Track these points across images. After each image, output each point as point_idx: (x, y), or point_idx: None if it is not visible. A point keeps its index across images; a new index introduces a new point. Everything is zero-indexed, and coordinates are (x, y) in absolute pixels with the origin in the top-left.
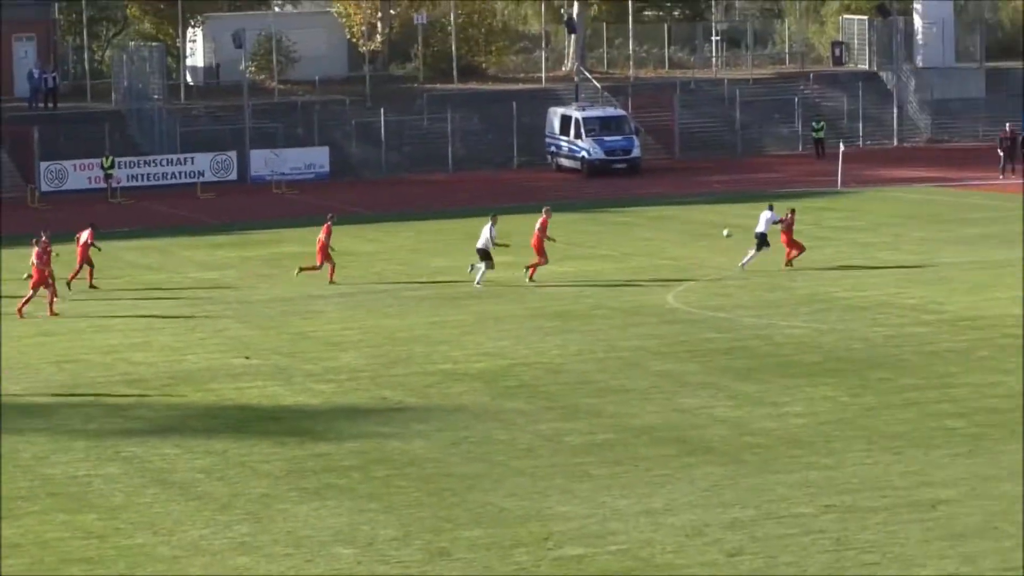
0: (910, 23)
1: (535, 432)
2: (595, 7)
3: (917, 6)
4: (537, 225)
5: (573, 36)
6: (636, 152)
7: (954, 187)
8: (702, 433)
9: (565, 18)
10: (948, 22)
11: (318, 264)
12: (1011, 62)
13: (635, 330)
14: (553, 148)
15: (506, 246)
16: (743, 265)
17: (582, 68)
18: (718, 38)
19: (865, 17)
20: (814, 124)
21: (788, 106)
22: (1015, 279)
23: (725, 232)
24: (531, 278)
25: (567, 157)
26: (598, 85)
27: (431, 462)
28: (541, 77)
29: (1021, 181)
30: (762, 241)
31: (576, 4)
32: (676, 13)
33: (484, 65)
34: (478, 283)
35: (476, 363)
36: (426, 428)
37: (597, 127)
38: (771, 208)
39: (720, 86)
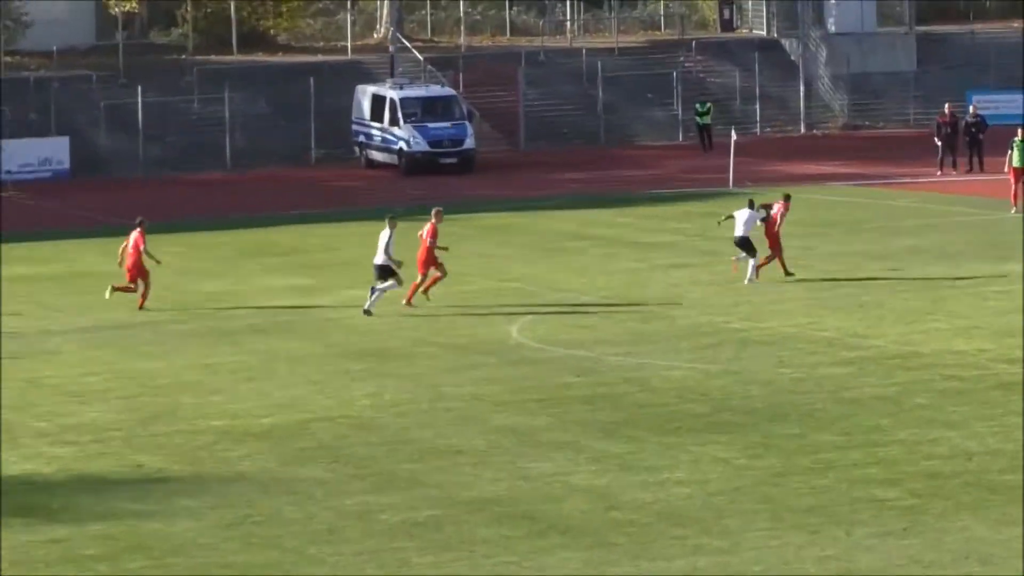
0: None
1: (338, 508)
2: None
3: None
4: (424, 233)
5: None
6: (469, 143)
7: (879, 186)
8: (558, 507)
9: None
10: None
11: (131, 283)
12: (948, 25)
13: (470, 373)
14: (362, 138)
15: (399, 264)
16: (750, 280)
17: (399, 35)
18: None
19: None
20: (698, 107)
21: (664, 83)
22: (959, 304)
23: (719, 222)
24: (411, 298)
25: (380, 149)
26: (420, 57)
27: (202, 550)
28: (347, 47)
29: (965, 178)
30: (746, 247)
31: None
32: None
33: (272, 31)
34: (368, 308)
35: (261, 418)
36: (195, 505)
37: (419, 111)
38: (751, 205)
39: (577, 58)
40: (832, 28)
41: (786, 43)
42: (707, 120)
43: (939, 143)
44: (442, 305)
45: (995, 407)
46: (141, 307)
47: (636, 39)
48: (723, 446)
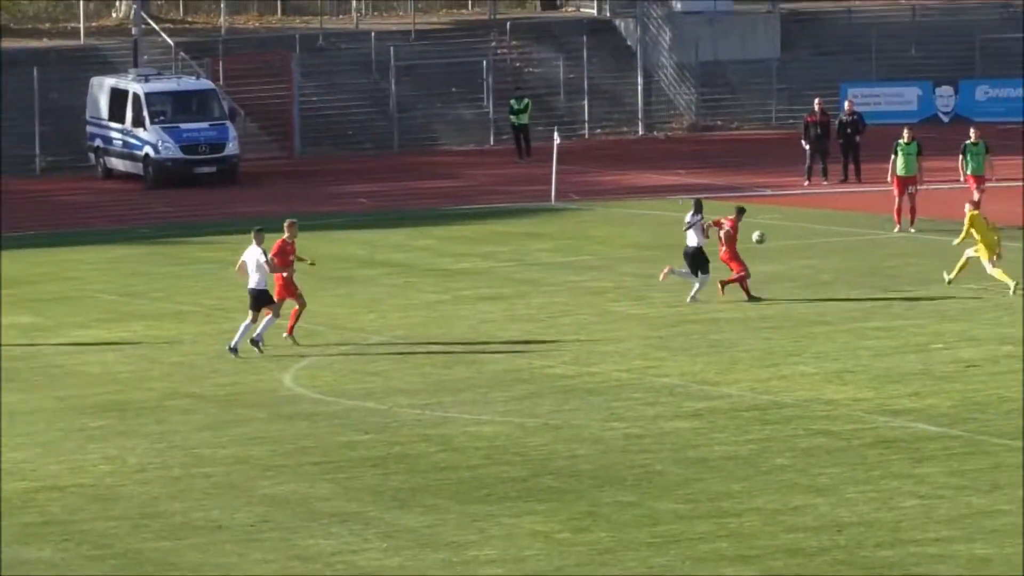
0: None
1: None
2: None
3: None
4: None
5: None
6: (232, 148)
7: (734, 200)
8: None
9: None
10: None
11: None
12: (819, 2)
13: (234, 430)
14: (99, 142)
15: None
16: (693, 297)
17: (143, 14)
18: None
19: None
20: (513, 103)
21: (472, 74)
22: (829, 344)
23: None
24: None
25: (122, 156)
26: (170, 41)
27: None
28: (79, 29)
29: (839, 189)
30: (697, 260)
31: None
32: None
33: None
34: (250, 339)
35: None
36: None
37: (169, 109)
38: (698, 207)
39: (365, 43)
40: (677, 6)
41: (621, 24)
42: (524, 120)
43: (807, 147)
44: (200, 348)
45: (872, 468)
46: None
47: (437, 19)
48: (542, 517)
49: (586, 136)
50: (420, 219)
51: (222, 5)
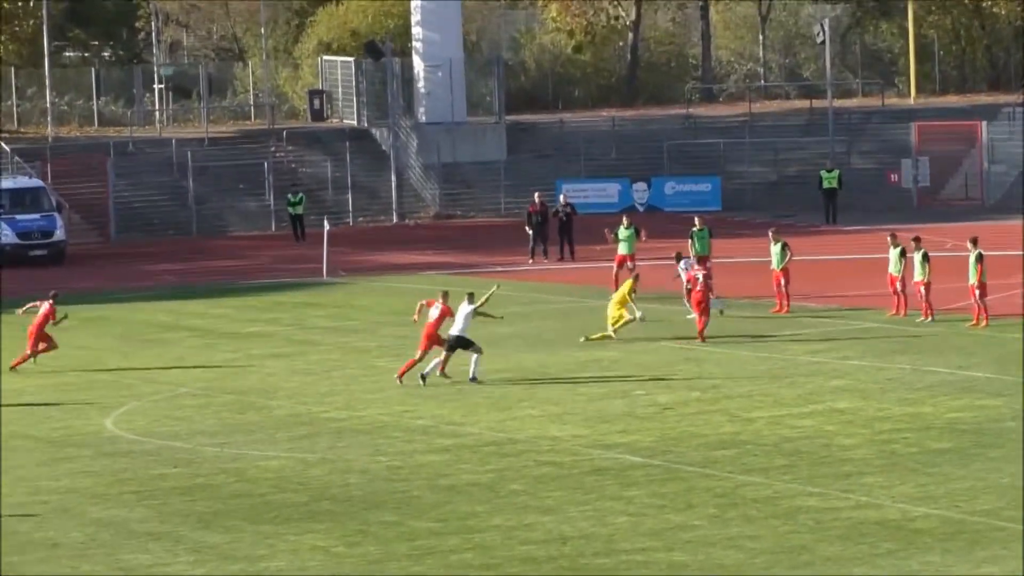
0: (409, 67)
1: None
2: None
3: (417, 44)
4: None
5: None
6: (60, 234)
7: (471, 275)
8: None
9: None
10: (457, 65)
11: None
12: (538, 114)
13: (65, 466)
14: None
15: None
16: (473, 378)
17: None
18: (162, 86)
19: (351, 59)
20: (290, 197)
21: (256, 173)
22: (551, 391)
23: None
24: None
25: None
26: (7, 148)
27: None
28: None
29: (557, 266)
30: (463, 345)
31: None
32: (107, 55)
33: None
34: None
35: None
36: None
37: (7, 202)
38: (471, 299)
39: (167, 148)
40: (422, 118)
41: (377, 133)
42: (300, 210)
43: (530, 232)
44: (36, 399)
45: (589, 492)
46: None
47: (226, 128)
48: (321, 534)
49: (350, 223)
50: (216, 291)
51: (49, 118)
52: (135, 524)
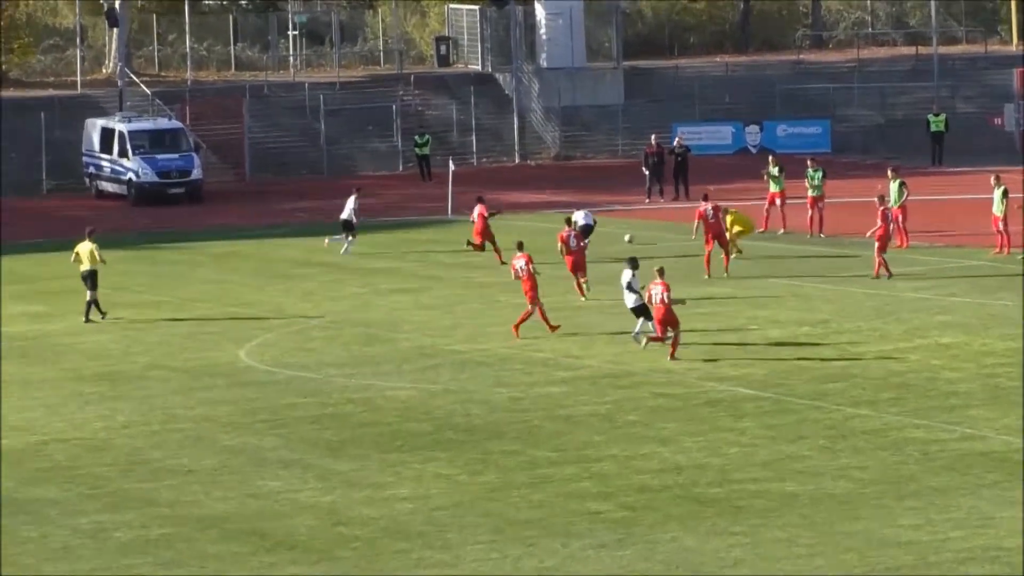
0: (531, 14)
1: (73, 527)
2: None
3: None
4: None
5: (116, 30)
6: (197, 173)
7: (594, 213)
8: (286, 524)
9: (105, 8)
10: (577, 13)
11: None
12: (654, 60)
13: (200, 395)
14: (92, 169)
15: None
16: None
17: (127, 70)
18: (296, 33)
19: (476, 7)
20: (417, 138)
21: (385, 116)
22: None
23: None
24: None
25: (110, 180)
26: (148, 91)
27: None
28: (76, 81)
29: (672, 205)
30: (641, 311)
31: None
32: (244, 2)
33: (4, 67)
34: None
35: None
36: None
37: (147, 143)
38: (633, 264)
39: (300, 92)
40: (544, 63)
41: (500, 77)
42: (426, 151)
43: (647, 172)
44: (173, 332)
45: (702, 423)
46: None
47: (357, 73)
48: (445, 463)
49: (474, 164)
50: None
51: (188, 63)
52: (266, 452)
